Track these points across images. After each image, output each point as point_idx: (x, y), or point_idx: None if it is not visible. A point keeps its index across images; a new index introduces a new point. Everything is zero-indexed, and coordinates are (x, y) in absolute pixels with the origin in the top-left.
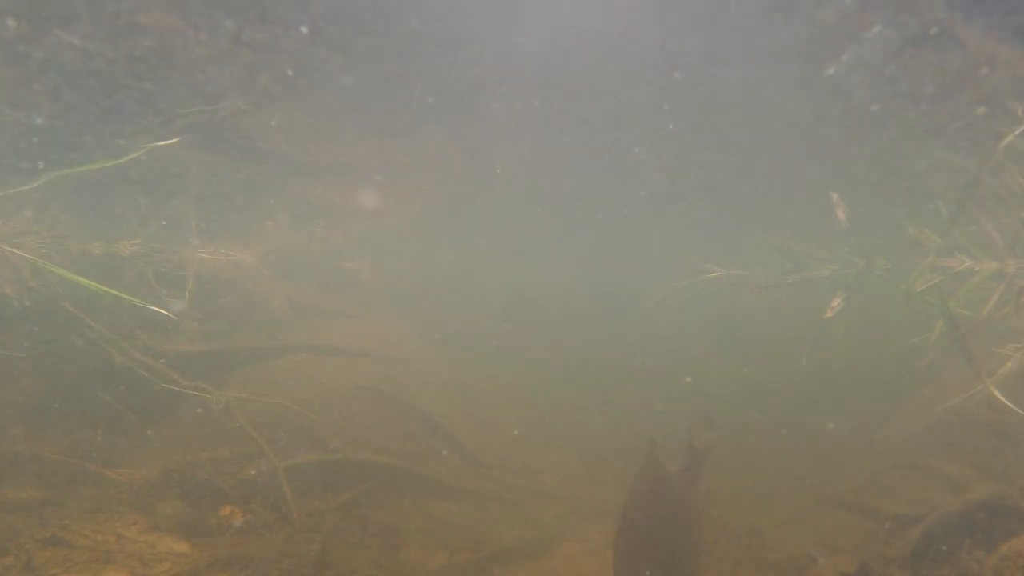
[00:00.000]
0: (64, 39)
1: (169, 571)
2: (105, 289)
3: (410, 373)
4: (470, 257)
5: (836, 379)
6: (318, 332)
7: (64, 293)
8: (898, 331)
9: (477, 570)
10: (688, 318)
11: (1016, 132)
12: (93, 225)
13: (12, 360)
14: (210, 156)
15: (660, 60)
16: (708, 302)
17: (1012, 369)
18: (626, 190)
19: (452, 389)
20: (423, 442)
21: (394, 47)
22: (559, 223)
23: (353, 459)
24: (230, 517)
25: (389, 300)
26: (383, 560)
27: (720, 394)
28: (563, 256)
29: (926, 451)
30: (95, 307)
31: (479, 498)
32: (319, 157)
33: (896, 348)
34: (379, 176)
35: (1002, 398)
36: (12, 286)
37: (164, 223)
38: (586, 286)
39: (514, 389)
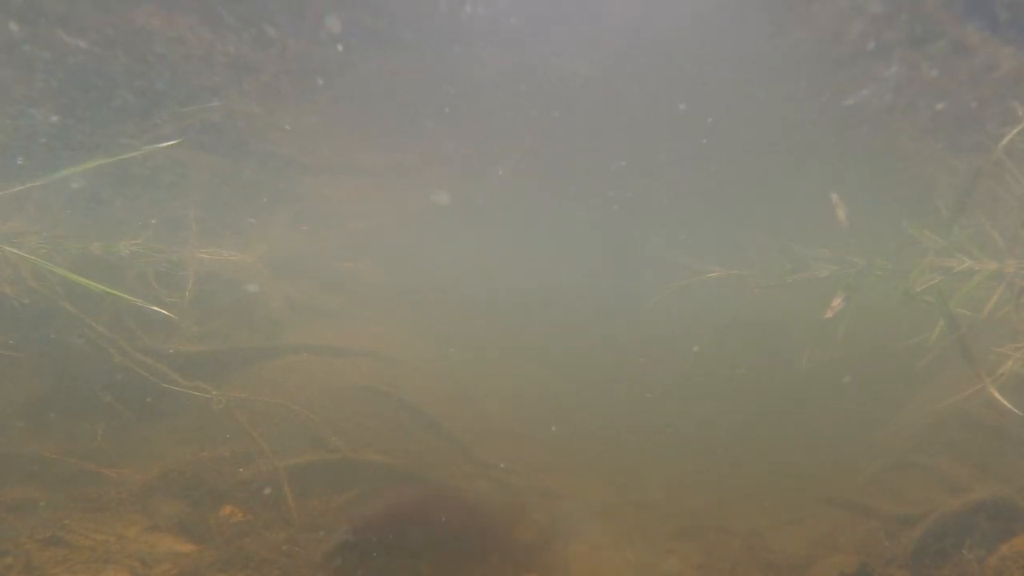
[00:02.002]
0: (70, 42)
1: (169, 571)
2: (105, 289)
3: (410, 373)
4: (470, 257)
5: (836, 379)
6: (318, 332)
7: (64, 293)
8: (898, 331)
9: (478, 570)
10: (688, 318)
11: (1015, 130)
12: (93, 225)
13: (12, 360)
14: (212, 156)
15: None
16: (708, 302)
17: (1012, 369)
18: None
19: (452, 388)
20: (423, 442)
21: (401, 48)
22: (558, 223)
23: (353, 459)
24: (230, 517)
25: (389, 300)
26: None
27: (719, 393)
28: (563, 256)
29: (926, 451)
30: (95, 307)
31: (479, 498)
32: (321, 157)
33: (896, 348)
34: (380, 176)
35: (1002, 399)
36: (12, 286)
37: (153, 221)
38: (586, 286)
39: (514, 388)
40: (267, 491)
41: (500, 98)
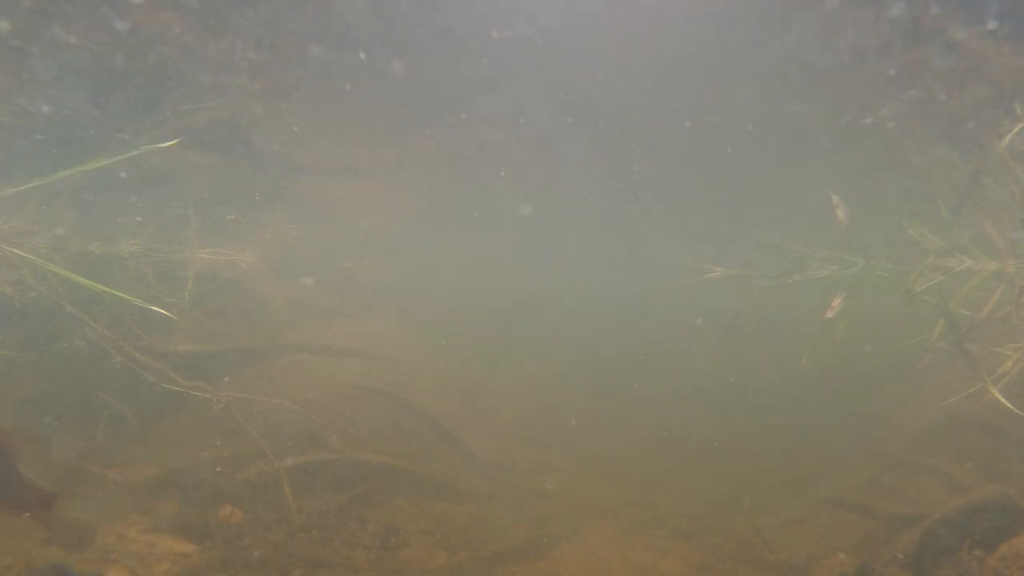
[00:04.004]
0: (64, 37)
1: (169, 571)
2: (105, 289)
3: (410, 373)
4: (471, 257)
5: (836, 378)
6: (318, 332)
7: (64, 293)
8: (898, 331)
9: (477, 570)
10: (686, 318)
11: (1015, 131)
12: (93, 225)
13: (12, 360)
14: (213, 156)
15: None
16: (707, 302)
17: (1012, 369)
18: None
19: (452, 389)
20: (423, 442)
21: (399, 47)
22: (560, 224)
23: (353, 459)
24: (230, 517)
25: (389, 300)
26: (383, 560)
27: (718, 393)
28: (563, 256)
29: (926, 451)
30: (95, 307)
31: (479, 498)
32: (322, 157)
33: (896, 348)
34: (381, 176)
35: (1002, 398)
36: (12, 286)
37: (150, 220)
38: (585, 287)
39: (514, 389)
40: (267, 491)
41: (506, 99)
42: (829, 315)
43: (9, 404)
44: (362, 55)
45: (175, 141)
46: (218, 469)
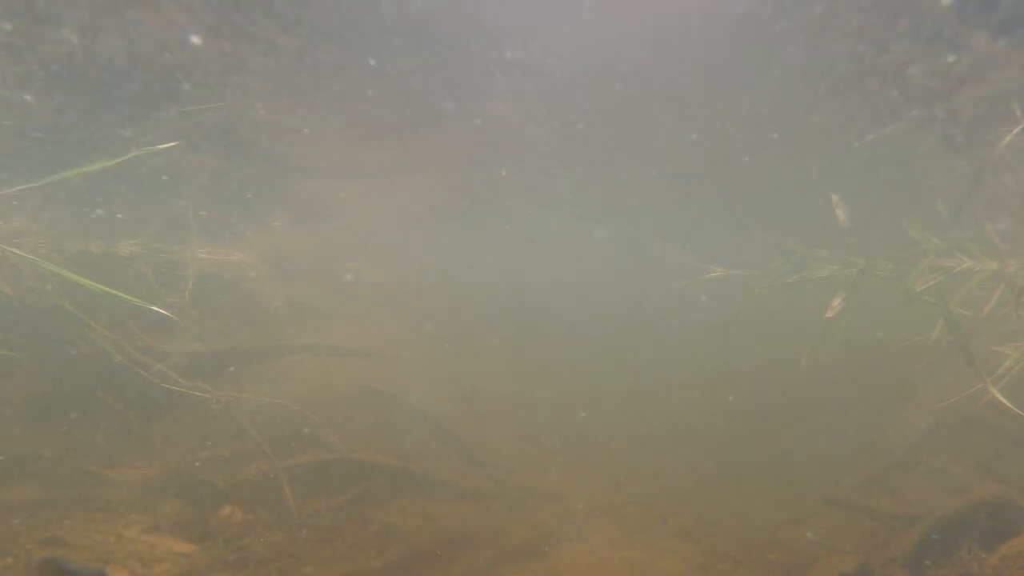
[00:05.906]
0: (65, 36)
1: (169, 571)
2: (105, 289)
3: (410, 373)
4: (471, 257)
5: (836, 378)
6: (318, 332)
7: (64, 293)
8: (898, 331)
9: (477, 570)
10: (686, 319)
11: (1015, 131)
12: (93, 225)
13: (12, 360)
14: (213, 156)
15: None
16: (707, 303)
17: (1012, 369)
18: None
19: (452, 389)
20: (423, 442)
21: (399, 46)
22: (561, 223)
23: (353, 459)
24: (230, 517)
25: (389, 300)
26: (383, 560)
27: (718, 394)
28: (564, 255)
29: (926, 451)
30: (95, 307)
31: (479, 498)
32: (322, 158)
33: (896, 348)
34: (381, 176)
35: (1002, 398)
36: (12, 286)
37: (149, 220)
38: (584, 287)
39: (513, 388)
40: (267, 491)
41: (512, 103)
42: (829, 315)
43: (10, 404)
44: (372, 62)
45: (177, 142)
46: (218, 469)
